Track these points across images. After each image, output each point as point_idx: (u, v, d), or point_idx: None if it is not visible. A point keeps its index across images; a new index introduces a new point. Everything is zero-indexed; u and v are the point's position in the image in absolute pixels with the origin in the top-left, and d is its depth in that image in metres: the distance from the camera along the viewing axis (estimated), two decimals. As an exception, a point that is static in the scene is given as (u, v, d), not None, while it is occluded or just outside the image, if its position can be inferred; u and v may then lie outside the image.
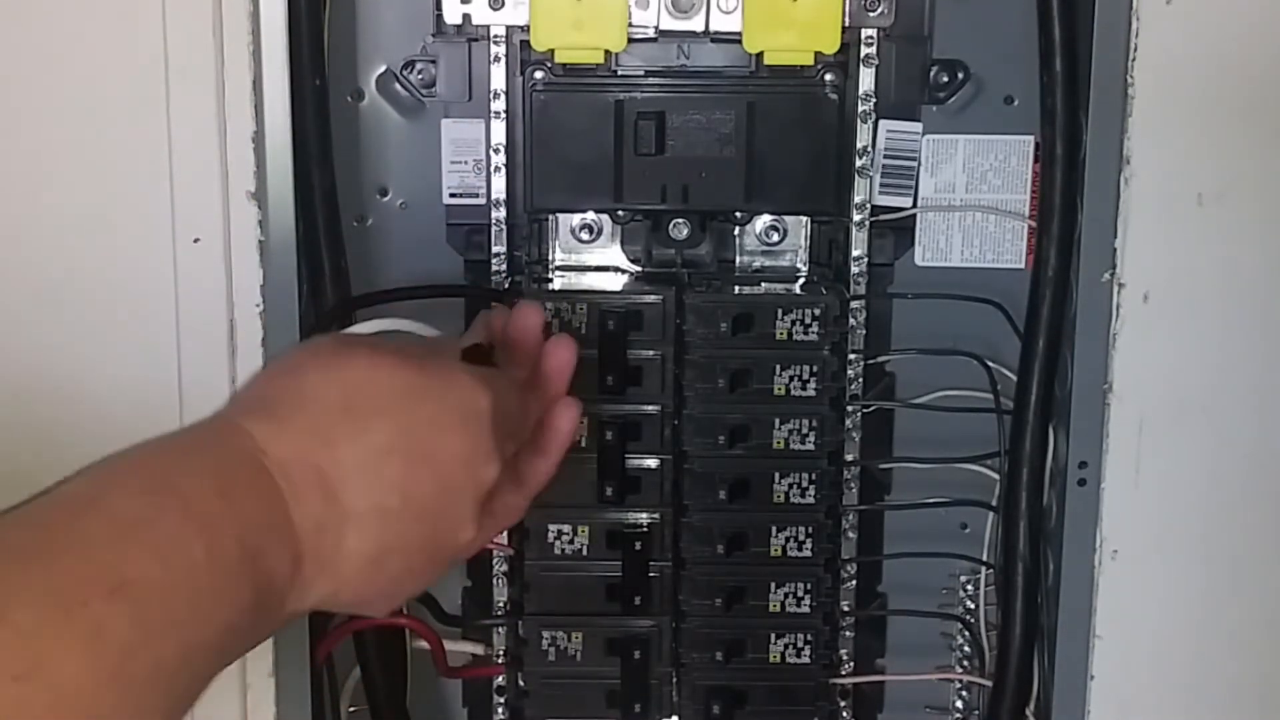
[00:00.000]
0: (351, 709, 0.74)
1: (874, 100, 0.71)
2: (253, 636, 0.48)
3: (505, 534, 0.73)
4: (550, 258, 0.74)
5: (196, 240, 0.63)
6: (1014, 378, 0.70)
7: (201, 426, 0.50)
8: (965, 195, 0.73)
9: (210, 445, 0.48)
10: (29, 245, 0.63)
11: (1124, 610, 0.68)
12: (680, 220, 0.73)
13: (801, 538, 0.71)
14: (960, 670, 0.77)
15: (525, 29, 0.69)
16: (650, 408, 0.70)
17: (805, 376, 0.69)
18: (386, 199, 0.74)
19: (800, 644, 0.72)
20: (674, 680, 0.73)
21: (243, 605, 0.45)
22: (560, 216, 0.74)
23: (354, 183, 0.72)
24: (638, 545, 0.71)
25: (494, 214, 0.72)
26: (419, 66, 0.72)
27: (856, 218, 0.72)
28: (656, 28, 0.70)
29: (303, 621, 0.66)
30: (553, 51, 0.69)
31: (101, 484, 0.45)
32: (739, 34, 0.69)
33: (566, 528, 0.71)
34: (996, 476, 0.73)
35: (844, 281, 0.72)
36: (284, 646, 0.66)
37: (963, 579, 0.77)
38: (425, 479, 0.51)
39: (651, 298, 0.69)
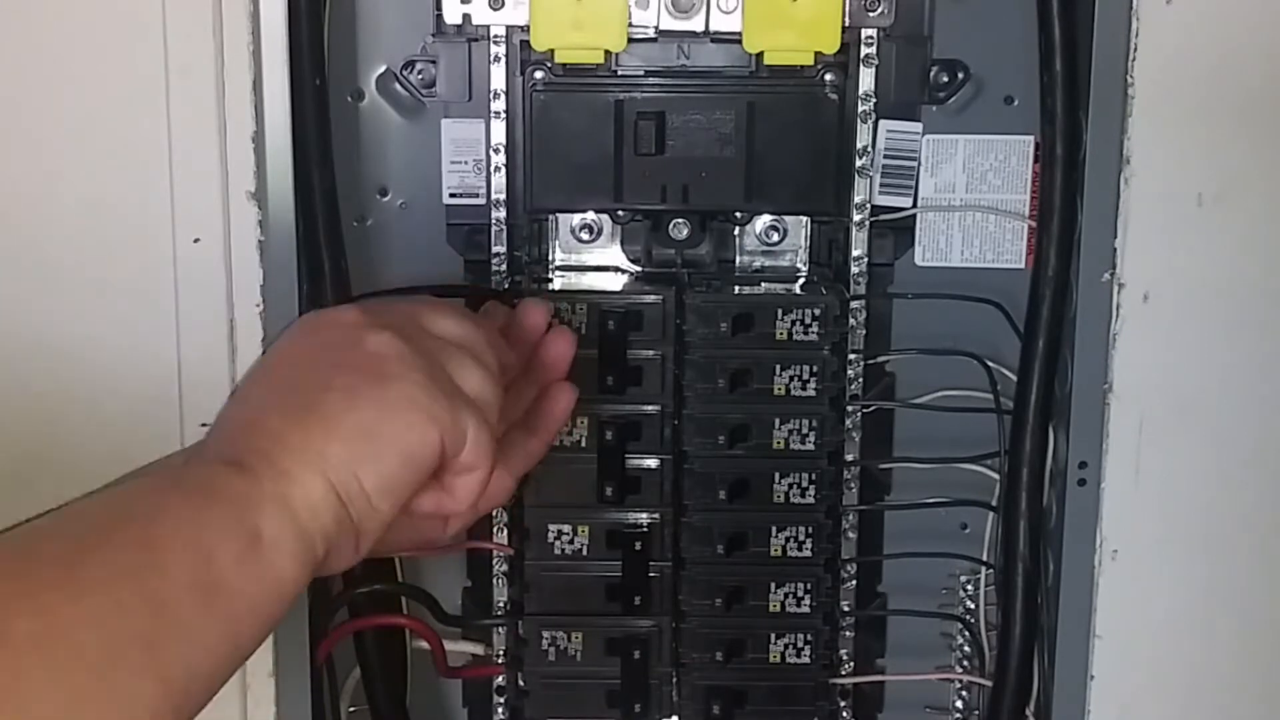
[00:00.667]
0: (351, 709, 0.74)
1: (874, 100, 0.71)
2: (319, 564, 0.50)
3: (505, 534, 0.73)
4: (550, 258, 0.74)
5: (196, 240, 0.63)
6: (1014, 378, 0.70)
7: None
8: (965, 195, 0.73)
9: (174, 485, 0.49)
10: (28, 245, 0.63)
11: (1124, 610, 0.68)
12: (680, 220, 0.73)
13: (801, 538, 0.71)
14: (960, 670, 0.77)
15: (525, 29, 0.69)
16: (650, 408, 0.70)
17: (805, 376, 0.69)
18: (386, 199, 0.74)
19: (800, 644, 0.72)
20: (674, 680, 0.73)
21: (295, 569, 0.48)
22: (560, 216, 0.74)
23: (354, 183, 0.72)
24: (638, 545, 0.71)
25: (494, 214, 0.72)
26: (419, 66, 0.72)
27: (856, 218, 0.72)
28: (656, 28, 0.70)
29: (303, 621, 0.66)
30: (553, 51, 0.69)
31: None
32: (739, 34, 0.69)
33: (566, 528, 0.71)
34: (996, 476, 0.73)
35: (844, 281, 0.72)
36: (284, 646, 0.66)
37: (963, 579, 0.77)
38: (306, 347, 0.55)
39: (651, 298, 0.69)
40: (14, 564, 0.42)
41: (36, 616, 0.41)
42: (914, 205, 0.73)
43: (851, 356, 0.72)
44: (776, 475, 0.71)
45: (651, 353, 0.70)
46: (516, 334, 0.62)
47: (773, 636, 0.72)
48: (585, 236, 0.74)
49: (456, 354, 0.55)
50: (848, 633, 0.75)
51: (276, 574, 0.47)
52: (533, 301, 0.65)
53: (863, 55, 0.70)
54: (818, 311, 0.69)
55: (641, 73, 0.71)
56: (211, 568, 0.45)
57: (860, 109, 0.71)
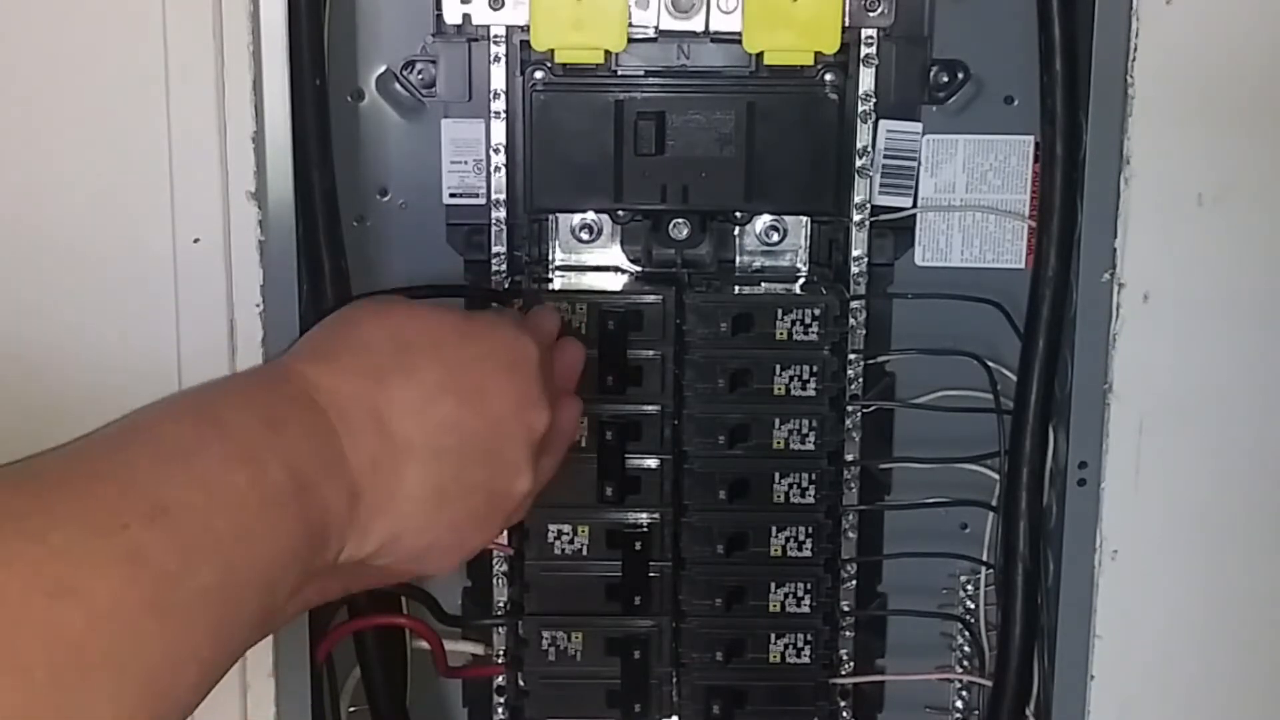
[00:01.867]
0: (351, 709, 0.74)
1: (874, 100, 0.71)
2: (305, 577, 0.47)
3: (505, 534, 0.73)
4: (550, 258, 0.74)
5: (196, 240, 0.63)
6: (1014, 378, 0.70)
7: (254, 369, 0.50)
8: (965, 195, 0.73)
9: (261, 383, 0.49)
10: (28, 244, 0.63)
11: (1124, 610, 0.68)
12: (680, 220, 0.73)
13: (801, 538, 0.71)
14: (960, 670, 0.77)
15: (525, 29, 0.69)
16: (650, 408, 0.70)
17: (805, 376, 0.69)
18: (386, 199, 0.74)
19: (800, 644, 0.72)
20: (674, 680, 0.73)
21: (292, 537, 0.45)
22: (560, 216, 0.74)
23: (354, 183, 0.72)
24: (638, 545, 0.71)
25: (494, 214, 0.72)
26: (419, 66, 0.72)
27: (856, 218, 0.72)
28: (656, 28, 0.70)
29: (303, 621, 0.66)
30: (553, 51, 0.69)
31: (147, 417, 0.46)
32: (739, 34, 0.69)
33: (566, 528, 0.71)
34: (996, 476, 0.73)
35: (844, 281, 0.72)
36: (284, 646, 0.66)
37: (963, 579, 0.77)
38: (478, 416, 0.51)
39: (651, 298, 0.69)
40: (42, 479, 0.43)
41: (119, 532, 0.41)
42: (914, 205, 0.73)
43: (851, 356, 0.72)
44: (776, 475, 0.71)
45: (651, 353, 0.70)
46: None
47: (773, 636, 0.72)
48: (585, 236, 0.74)
49: (564, 395, 0.58)
50: (848, 633, 0.75)
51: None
52: (544, 310, 0.65)
53: (863, 55, 0.70)
54: (818, 311, 0.69)
55: (641, 73, 0.71)
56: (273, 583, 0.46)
57: (860, 109, 0.71)
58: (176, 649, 0.42)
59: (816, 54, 0.69)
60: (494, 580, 0.74)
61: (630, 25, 0.69)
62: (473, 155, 0.72)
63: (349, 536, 0.47)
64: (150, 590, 0.41)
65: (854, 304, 0.72)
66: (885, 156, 0.72)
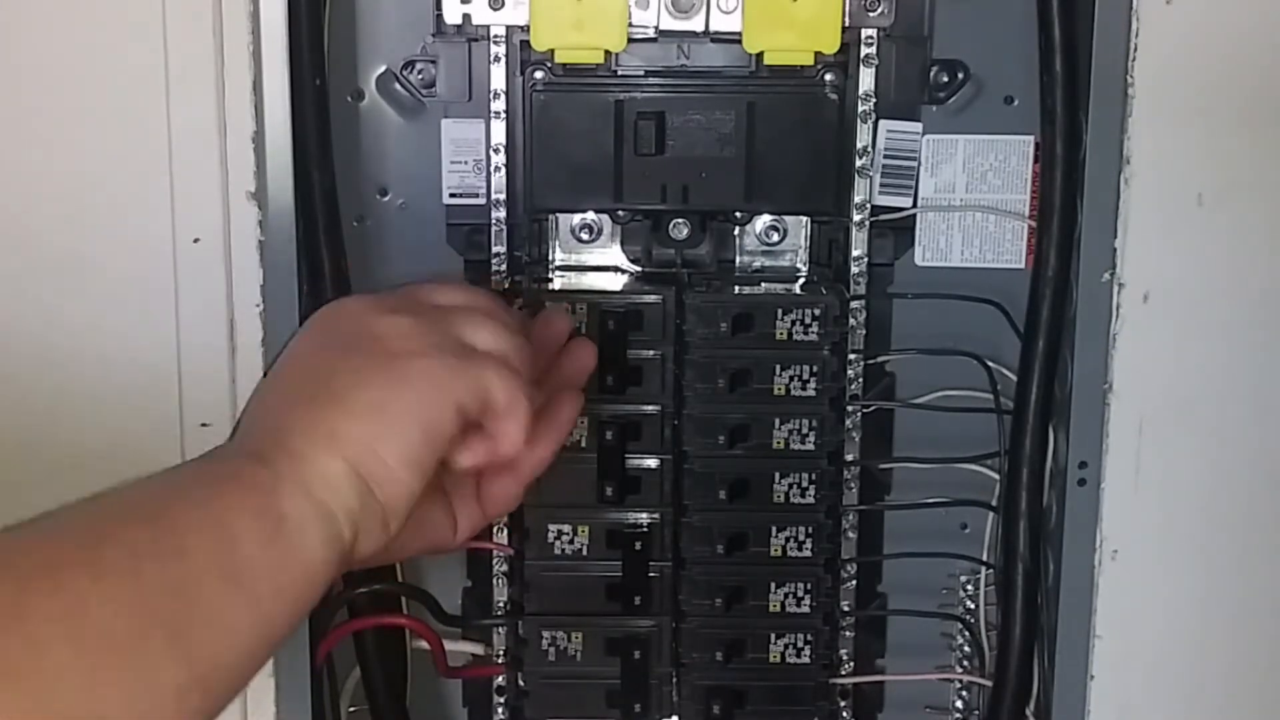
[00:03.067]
0: (351, 709, 0.74)
1: (874, 100, 0.71)
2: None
3: (505, 534, 0.73)
4: (550, 258, 0.74)
5: (196, 240, 0.63)
6: (1014, 378, 0.70)
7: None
8: (965, 195, 0.73)
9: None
10: (28, 245, 0.63)
11: (1124, 610, 0.68)
12: (680, 220, 0.73)
13: (801, 538, 0.71)
14: (960, 670, 0.77)
15: (525, 29, 0.69)
16: (650, 408, 0.70)
17: (805, 376, 0.69)
18: (386, 199, 0.74)
19: (800, 644, 0.72)
20: (674, 680, 0.73)
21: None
22: (560, 216, 0.74)
23: (354, 183, 0.72)
24: (638, 545, 0.71)
25: (494, 214, 0.72)
26: (419, 66, 0.72)
27: (856, 218, 0.72)
28: (656, 28, 0.70)
29: (303, 621, 0.66)
30: (553, 51, 0.69)
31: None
32: (739, 34, 0.69)
33: (566, 528, 0.71)
34: (996, 476, 0.73)
35: (844, 281, 0.72)
36: (284, 646, 0.66)
37: (963, 579, 0.77)
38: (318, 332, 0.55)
39: (651, 298, 0.69)
40: (33, 543, 0.42)
41: (56, 595, 0.40)
42: (914, 205, 0.73)
43: (851, 356, 0.72)
44: (776, 475, 0.71)
45: (651, 353, 0.70)
46: (537, 342, 0.61)
47: (773, 636, 0.72)
48: (585, 236, 0.74)
49: (464, 315, 0.56)
50: (848, 633, 0.75)
51: (303, 556, 0.47)
52: (555, 310, 0.65)
53: (863, 55, 0.70)
54: (818, 311, 0.69)
55: (641, 73, 0.71)
56: (236, 552, 0.45)
57: (860, 109, 0.71)
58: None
59: (816, 54, 0.69)
60: (494, 580, 0.74)
61: (630, 25, 0.69)
62: (473, 155, 0.72)
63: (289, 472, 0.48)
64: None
65: (854, 304, 0.71)
66: (885, 156, 0.72)
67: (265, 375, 0.60)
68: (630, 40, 0.69)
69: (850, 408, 0.72)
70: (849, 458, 0.73)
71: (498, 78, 0.70)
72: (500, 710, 0.76)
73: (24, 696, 0.38)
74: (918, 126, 0.72)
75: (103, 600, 0.41)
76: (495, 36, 0.70)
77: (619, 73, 0.71)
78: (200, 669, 0.42)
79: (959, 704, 0.78)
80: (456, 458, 0.54)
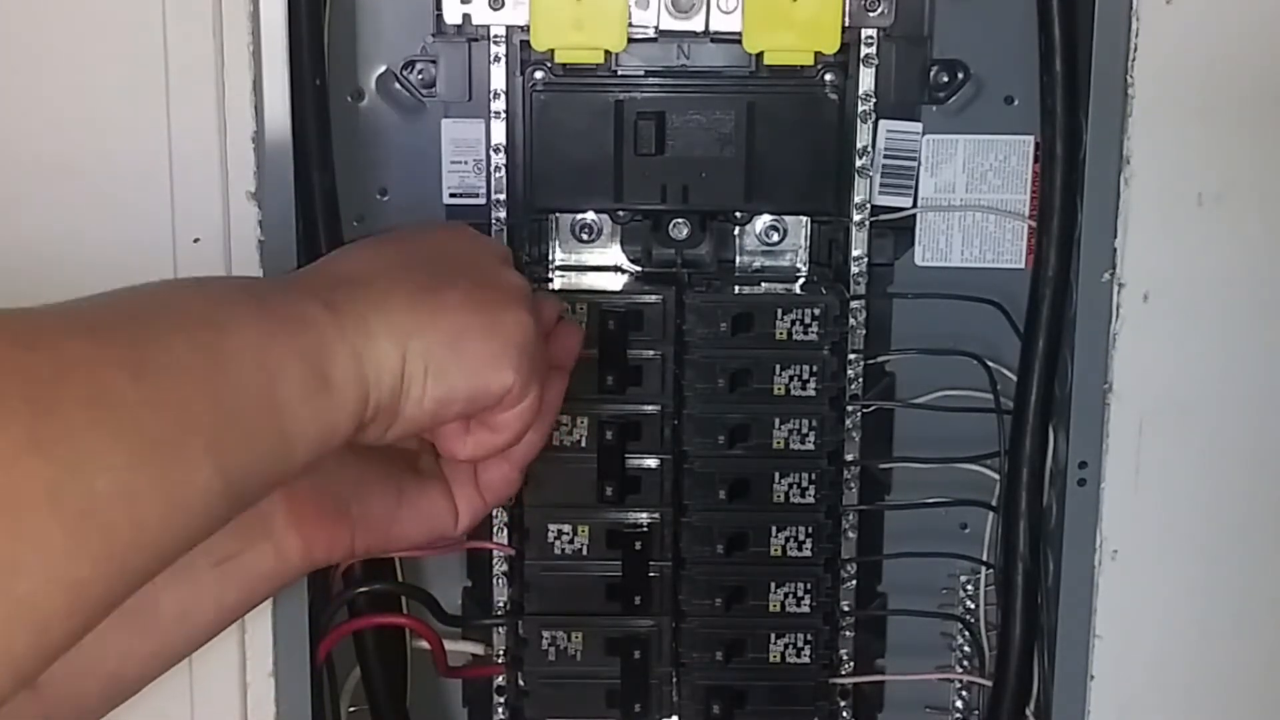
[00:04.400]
0: (351, 709, 0.74)
1: (874, 100, 0.71)
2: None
3: (505, 534, 0.73)
4: (550, 258, 0.74)
5: (196, 240, 0.63)
6: (1014, 378, 0.70)
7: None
8: (965, 195, 0.73)
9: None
10: (28, 245, 0.63)
11: (1124, 610, 0.68)
12: (680, 220, 0.73)
13: (801, 538, 0.71)
14: (960, 670, 0.77)
15: (525, 29, 0.69)
16: (650, 408, 0.70)
17: (805, 376, 0.69)
18: (386, 199, 0.74)
19: (800, 644, 0.72)
20: (674, 680, 0.73)
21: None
22: (560, 216, 0.74)
23: (354, 183, 0.72)
24: (638, 545, 0.71)
25: (494, 214, 0.72)
26: (419, 66, 0.72)
27: (856, 218, 0.72)
28: (656, 28, 0.70)
29: (303, 621, 0.66)
30: (553, 51, 0.69)
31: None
32: (739, 34, 0.69)
33: (566, 528, 0.71)
34: (996, 476, 0.73)
35: (844, 281, 0.72)
36: (284, 646, 0.66)
37: (963, 579, 0.77)
38: (443, 245, 0.56)
39: (651, 298, 0.69)
40: (77, 328, 0.41)
41: (94, 386, 0.39)
42: (914, 205, 0.73)
43: (851, 356, 0.72)
44: (776, 475, 0.71)
45: (651, 353, 0.70)
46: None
47: (773, 636, 0.72)
48: (585, 236, 0.74)
49: (557, 346, 0.58)
50: (848, 633, 0.75)
51: (332, 419, 0.47)
52: (545, 295, 0.65)
53: (863, 55, 0.70)
54: (818, 311, 0.69)
55: (641, 73, 0.71)
56: (276, 390, 0.45)
57: (860, 109, 0.71)
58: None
59: (816, 54, 0.69)
60: (494, 580, 0.74)
61: (630, 25, 0.69)
62: (473, 155, 0.72)
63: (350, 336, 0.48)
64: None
65: (854, 304, 0.72)
66: (885, 156, 0.72)
67: (365, 240, 0.58)
68: (630, 40, 0.69)
69: (850, 408, 0.72)
70: (849, 458, 0.73)
71: (498, 78, 0.70)
72: (500, 710, 0.76)
73: (57, 469, 0.37)
74: (918, 126, 0.72)
75: (142, 400, 0.40)
76: (495, 36, 0.70)
77: (619, 73, 0.71)
78: (232, 480, 0.42)
79: (959, 704, 0.78)
80: (455, 450, 0.55)
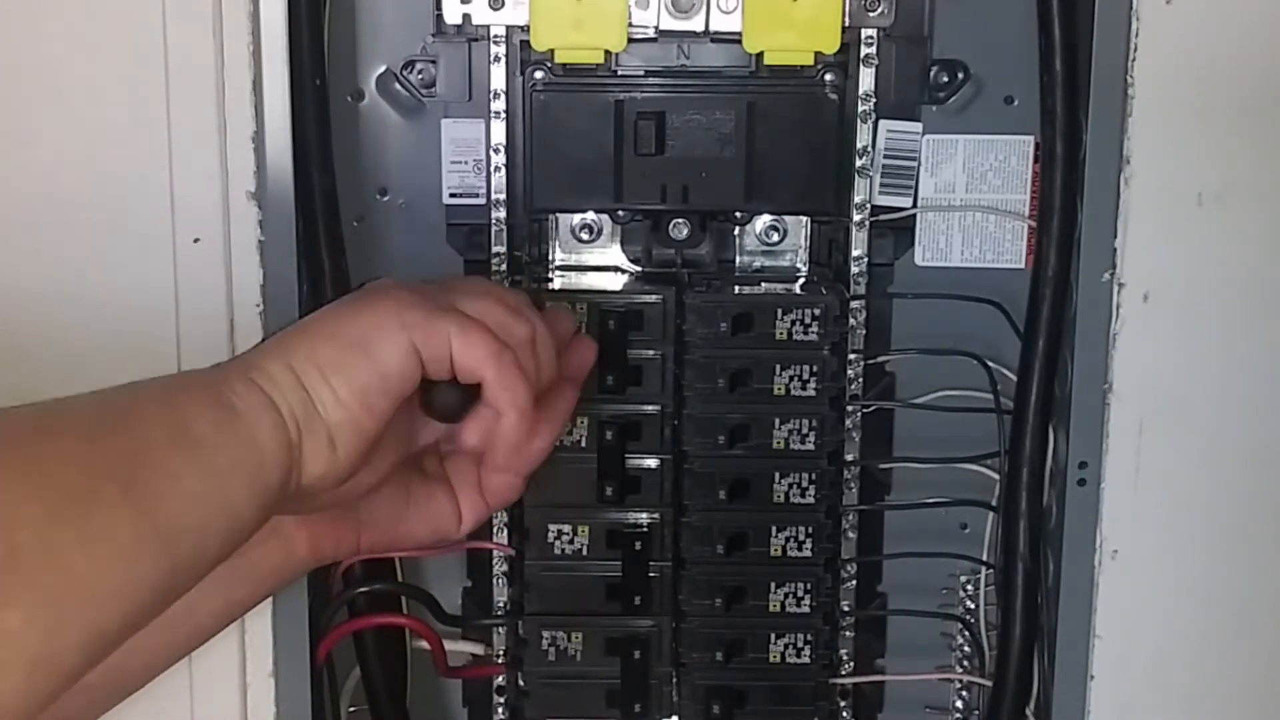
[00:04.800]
0: (351, 709, 0.74)
1: (874, 100, 0.71)
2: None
3: (505, 534, 0.73)
4: (550, 258, 0.74)
5: (196, 240, 0.63)
6: (1014, 378, 0.70)
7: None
8: (965, 195, 0.73)
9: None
10: (29, 246, 0.63)
11: (1124, 610, 0.68)
12: (680, 220, 0.73)
13: (801, 538, 0.71)
14: (960, 670, 0.77)
15: (525, 29, 0.69)
16: (650, 408, 0.70)
17: (805, 376, 0.69)
18: (386, 199, 0.74)
19: (800, 644, 0.72)
20: (674, 680, 0.73)
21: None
22: (560, 216, 0.74)
23: (354, 183, 0.72)
24: (638, 545, 0.71)
25: (494, 214, 0.72)
26: (419, 66, 0.72)
27: (856, 218, 0.72)
28: (656, 28, 0.70)
29: (303, 621, 0.66)
30: (553, 51, 0.69)
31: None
32: (739, 34, 0.69)
33: (566, 528, 0.71)
34: (996, 476, 0.73)
35: (844, 281, 0.72)
36: (284, 646, 0.66)
37: (963, 579, 0.77)
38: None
39: (651, 298, 0.69)
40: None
41: (10, 448, 0.41)
42: (914, 205, 0.73)
43: (851, 356, 0.72)
44: (776, 475, 0.71)
45: (651, 353, 0.70)
46: None
47: (773, 636, 0.72)
48: (585, 236, 0.74)
49: (465, 289, 0.57)
50: (848, 633, 0.75)
51: (253, 436, 0.48)
52: (560, 308, 0.65)
53: (863, 55, 0.70)
54: (818, 311, 0.69)
55: (641, 73, 0.71)
56: (187, 429, 0.46)
57: (860, 109, 0.71)
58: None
59: (816, 54, 0.69)
60: (494, 580, 0.74)
61: (630, 25, 0.69)
62: (473, 155, 0.72)
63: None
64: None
65: (854, 304, 0.72)
66: (885, 156, 0.72)
67: None
68: (630, 40, 0.69)
69: (850, 408, 0.72)
70: (849, 458, 0.73)
71: (498, 78, 0.70)
72: (500, 710, 0.76)
73: None
74: (918, 126, 0.72)
75: (57, 456, 0.42)
76: (495, 36, 0.70)
77: (619, 73, 0.71)
78: (157, 522, 0.43)
79: (959, 704, 0.78)
80: (461, 436, 0.56)
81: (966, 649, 0.77)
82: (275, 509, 0.49)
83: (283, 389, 0.50)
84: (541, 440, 0.59)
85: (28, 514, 0.39)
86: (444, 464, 0.60)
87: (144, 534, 0.42)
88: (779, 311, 0.69)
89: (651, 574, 0.72)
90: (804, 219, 0.74)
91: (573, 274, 0.74)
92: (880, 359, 0.73)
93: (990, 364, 0.72)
